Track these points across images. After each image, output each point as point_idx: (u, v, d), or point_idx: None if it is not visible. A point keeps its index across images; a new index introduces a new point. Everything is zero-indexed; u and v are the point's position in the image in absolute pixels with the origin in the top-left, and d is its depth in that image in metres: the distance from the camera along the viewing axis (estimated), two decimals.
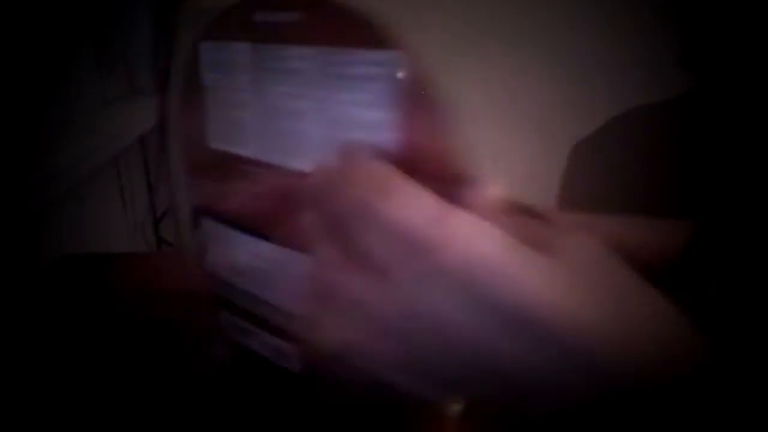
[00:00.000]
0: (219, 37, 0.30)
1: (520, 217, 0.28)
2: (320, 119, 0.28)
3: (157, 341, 0.39)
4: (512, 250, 0.23)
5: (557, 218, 0.30)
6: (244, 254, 0.32)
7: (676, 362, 0.28)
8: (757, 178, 0.45)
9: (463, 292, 0.22)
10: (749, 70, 0.46)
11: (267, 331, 0.32)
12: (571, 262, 0.25)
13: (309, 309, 0.24)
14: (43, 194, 0.48)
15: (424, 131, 0.27)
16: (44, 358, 0.40)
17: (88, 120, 0.68)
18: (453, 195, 0.26)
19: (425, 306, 0.23)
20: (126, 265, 0.54)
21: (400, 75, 0.27)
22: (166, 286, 0.44)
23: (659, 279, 0.37)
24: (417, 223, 0.23)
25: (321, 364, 0.27)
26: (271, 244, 0.30)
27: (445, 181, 0.26)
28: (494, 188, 0.28)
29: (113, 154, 0.71)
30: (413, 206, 0.24)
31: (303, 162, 0.28)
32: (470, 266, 0.22)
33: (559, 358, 0.23)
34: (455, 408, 0.30)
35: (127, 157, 0.81)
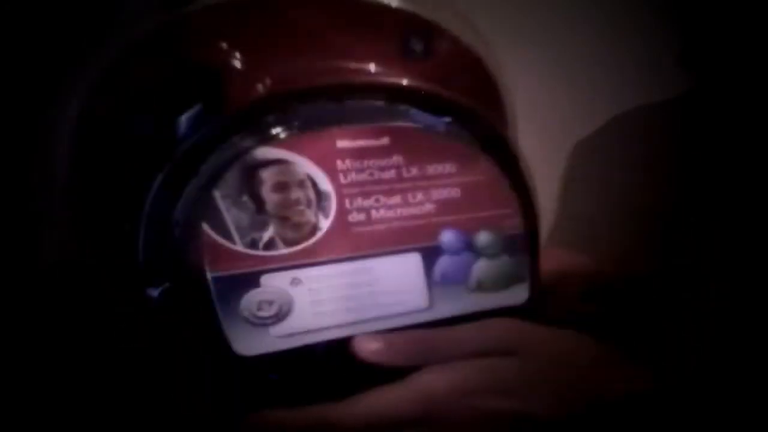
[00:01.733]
0: None
1: None
2: None
3: (157, 342, 0.39)
4: None
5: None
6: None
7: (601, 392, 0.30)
8: (757, 178, 0.45)
9: None
10: (749, 70, 0.46)
11: None
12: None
13: None
14: (43, 194, 0.48)
15: None
16: (44, 359, 0.40)
17: None
18: None
19: None
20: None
21: None
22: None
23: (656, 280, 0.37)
24: None
25: None
26: None
27: None
28: None
29: None
30: None
31: None
32: None
33: None
34: None
35: None
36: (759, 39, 0.45)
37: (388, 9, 0.33)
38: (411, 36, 0.33)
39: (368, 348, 0.33)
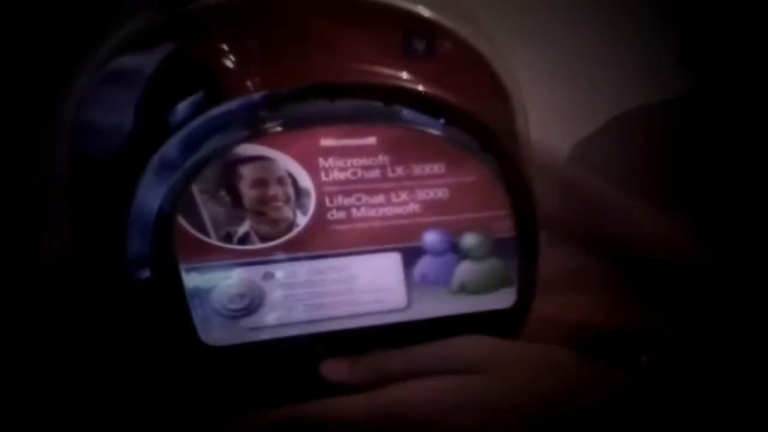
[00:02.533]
0: None
1: None
2: None
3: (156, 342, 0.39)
4: None
5: None
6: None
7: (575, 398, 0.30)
8: (757, 178, 0.45)
9: None
10: (749, 70, 0.46)
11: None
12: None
13: None
14: (43, 194, 0.48)
15: None
16: (44, 359, 0.40)
17: None
18: None
19: None
20: None
21: None
22: None
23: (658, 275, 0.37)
24: None
25: None
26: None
27: None
28: None
29: None
30: None
31: None
32: None
33: None
34: None
35: None
36: (759, 39, 0.44)
37: (389, 8, 0.33)
38: (412, 35, 0.33)
39: (332, 371, 0.33)
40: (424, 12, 0.33)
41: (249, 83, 0.31)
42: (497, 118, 0.34)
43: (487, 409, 0.31)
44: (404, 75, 0.33)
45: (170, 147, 0.31)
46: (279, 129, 0.31)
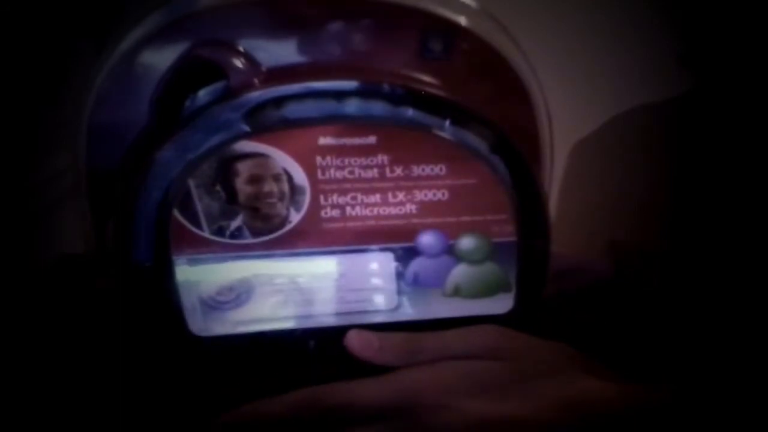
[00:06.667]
0: None
1: None
2: None
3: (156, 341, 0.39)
4: None
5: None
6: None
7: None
8: (757, 178, 0.45)
9: None
10: (749, 70, 0.46)
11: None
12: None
13: None
14: (43, 194, 0.48)
15: None
16: (44, 359, 0.40)
17: None
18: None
19: None
20: None
21: None
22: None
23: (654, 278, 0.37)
24: None
25: None
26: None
27: None
28: None
29: None
30: None
31: None
32: None
33: None
34: None
35: None
36: (759, 39, 0.45)
37: (406, 9, 0.33)
38: (430, 36, 0.33)
39: (361, 345, 0.33)
40: (442, 12, 0.33)
41: (256, 81, 0.31)
42: (516, 120, 0.34)
43: (500, 395, 0.31)
44: (419, 76, 0.33)
45: (177, 141, 0.31)
46: (283, 126, 0.31)
